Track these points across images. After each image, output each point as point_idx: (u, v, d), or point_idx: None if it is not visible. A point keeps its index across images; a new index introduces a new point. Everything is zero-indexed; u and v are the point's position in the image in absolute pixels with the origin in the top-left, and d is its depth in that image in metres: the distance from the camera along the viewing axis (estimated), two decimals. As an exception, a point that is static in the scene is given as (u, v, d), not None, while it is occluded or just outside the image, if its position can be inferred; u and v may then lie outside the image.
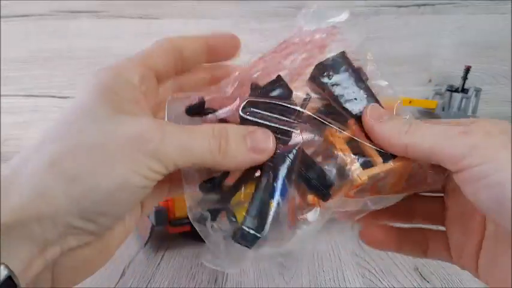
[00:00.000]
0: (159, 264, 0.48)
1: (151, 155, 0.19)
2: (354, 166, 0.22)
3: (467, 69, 0.70)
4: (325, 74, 0.23)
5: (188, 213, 0.23)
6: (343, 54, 0.24)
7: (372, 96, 0.24)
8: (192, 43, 0.25)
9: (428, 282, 0.45)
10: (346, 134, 0.23)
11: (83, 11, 0.72)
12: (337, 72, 0.23)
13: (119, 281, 0.45)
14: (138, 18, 0.72)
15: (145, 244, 0.53)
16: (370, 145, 0.22)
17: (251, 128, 0.22)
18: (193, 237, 0.52)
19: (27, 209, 0.17)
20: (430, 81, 0.77)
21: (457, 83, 0.71)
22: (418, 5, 0.73)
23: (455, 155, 0.19)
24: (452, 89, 0.72)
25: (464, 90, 0.70)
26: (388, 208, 0.25)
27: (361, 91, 0.24)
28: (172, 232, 0.51)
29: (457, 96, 0.70)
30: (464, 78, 0.70)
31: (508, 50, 0.75)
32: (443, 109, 0.71)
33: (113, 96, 0.21)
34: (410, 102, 0.69)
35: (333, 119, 0.23)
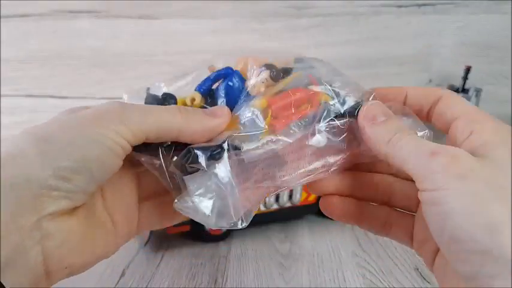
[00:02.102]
0: (159, 264, 0.48)
1: (117, 119, 0.21)
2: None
3: (468, 69, 0.70)
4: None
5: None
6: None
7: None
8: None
9: (428, 282, 0.45)
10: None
11: (83, 11, 0.71)
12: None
13: (118, 281, 0.45)
14: (138, 18, 0.72)
15: (145, 244, 0.53)
16: None
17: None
18: (192, 237, 0.52)
19: None
20: (430, 81, 0.77)
21: (458, 83, 0.71)
22: (419, 5, 0.73)
23: (419, 175, 0.20)
24: (452, 89, 0.72)
25: (464, 90, 0.70)
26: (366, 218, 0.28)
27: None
28: (171, 232, 0.51)
29: (457, 96, 0.70)
30: (465, 78, 0.70)
31: (508, 50, 0.75)
32: (443, 109, 0.71)
33: None
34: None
35: None
